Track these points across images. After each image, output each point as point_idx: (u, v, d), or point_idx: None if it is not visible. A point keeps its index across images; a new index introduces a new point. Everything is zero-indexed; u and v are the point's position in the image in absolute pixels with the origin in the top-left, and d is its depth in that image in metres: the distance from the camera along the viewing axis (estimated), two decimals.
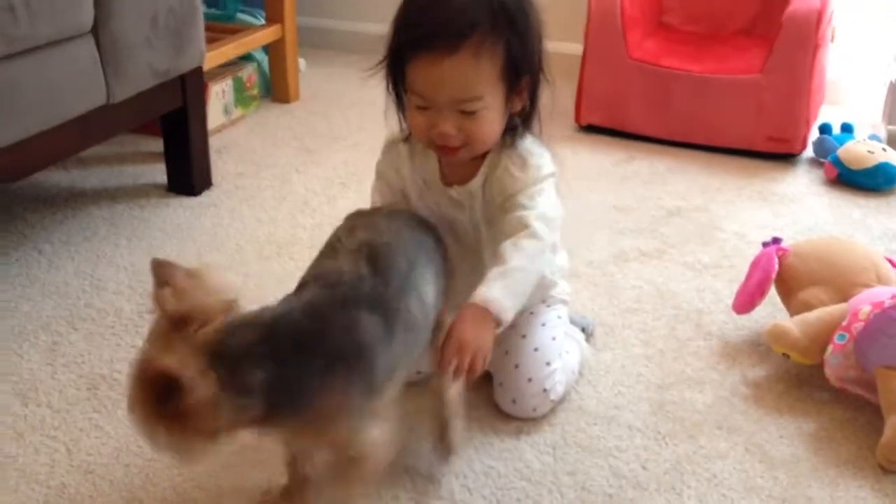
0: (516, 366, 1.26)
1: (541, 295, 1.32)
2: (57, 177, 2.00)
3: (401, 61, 1.10)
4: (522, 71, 1.11)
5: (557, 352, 1.29)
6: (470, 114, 1.09)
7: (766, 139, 2.18)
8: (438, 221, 1.21)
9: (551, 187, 1.16)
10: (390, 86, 1.14)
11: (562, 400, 1.30)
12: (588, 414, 1.30)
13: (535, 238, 1.09)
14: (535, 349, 1.27)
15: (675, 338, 1.49)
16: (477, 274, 1.11)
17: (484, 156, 1.17)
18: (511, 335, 1.27)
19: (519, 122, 1.16)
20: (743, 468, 1.20)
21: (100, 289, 1.57)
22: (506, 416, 1.28)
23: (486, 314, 1.04)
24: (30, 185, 1.95)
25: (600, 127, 2.34)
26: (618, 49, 2.25)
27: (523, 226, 1.10)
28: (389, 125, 1.20)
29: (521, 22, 1.08)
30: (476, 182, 1.18)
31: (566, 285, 1.38)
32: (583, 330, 1.44)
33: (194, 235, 1.78)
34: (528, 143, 1.17)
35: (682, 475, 1.19)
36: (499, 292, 1.05)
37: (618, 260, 1.74)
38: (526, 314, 1.30)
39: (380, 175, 1.26)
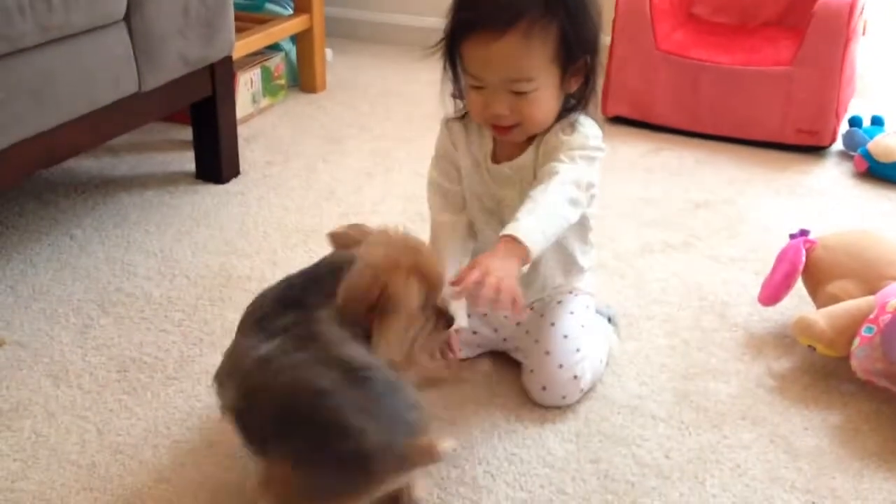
0: (547, 353, 1.26)
1: (569, 285, 1.33)
2: (88, 164, 2.03)
3: (456, 42, 1.13)
4: (577, 53, 1.12)
5: (586, 339, 1.29)
6: (522, 94, 1.12)
7: (796, 132, 2.16)
8: (486, 202, 1.25)
9: (595, 160, 1.17)
10: (447, 65, 1.17)
11: (589, 389, 1.31)
12: (612, 403, 1.30)
13: (563, 185, 1.10)
14: (565, 336, 1.28)
15: (700, 329, 1.48)
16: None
17: (543, 134, 1.19)
18: (541, 323, 1.29)
19: (574, 103, 1.18)
20: (767, 458, 1.20)
21: (130, 273, 1.60)
22: (530, 405, 1.29)
23: (516, 246, 1.05)
24: (62, 172, 1.98)
25: (627, 119, 2.33)
26: (646, 40, 2.24)
27: (554, 173, 1.11)
28: (445, 105, 1.23)
29: (575, 5, 1.10)
30: (527, 156, 1.20)
31: (592, 278, 1.39)
32: (609, 320, 1.45)
33: (222, 222, 1.80)
34: (582, 118, 1.19)
35: (706, 464, 1.19)
36: (527, 225, 1.06)
37: (644, 252, 1.73)
38: (553, 303, 1.31)
39: (438, 152, 1.29)
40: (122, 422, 1.24)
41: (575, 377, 1.26)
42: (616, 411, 1.29)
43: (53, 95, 1.45)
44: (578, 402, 1.29)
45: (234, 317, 1.46)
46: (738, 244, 1.76)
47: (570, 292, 1.33)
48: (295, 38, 2.52)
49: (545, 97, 1.13)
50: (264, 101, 2.38)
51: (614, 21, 2.29)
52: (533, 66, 1.10)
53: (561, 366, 1.25)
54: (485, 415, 1.27)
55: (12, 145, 1.40)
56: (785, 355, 1.41)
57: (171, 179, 1.98)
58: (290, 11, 2.54)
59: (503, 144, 1.23)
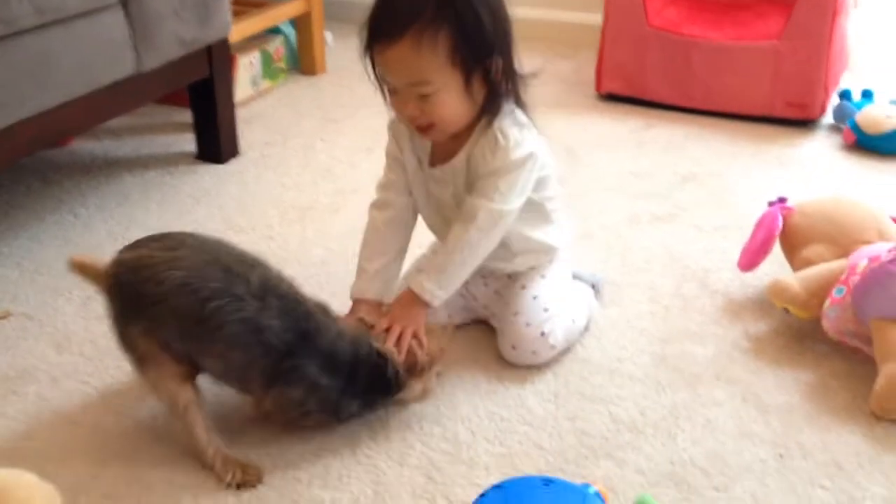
0: (515, 313, 1.32)
1: (539, 259, 1.38)
2: (91, 146, 2.09)
3: (370, 49, 1.20)
4: (478, 56, 1.17)
5: (556, 300, 1.34)
6: (426, 96, 1.18)
7: (785, 105, 2.18)
8: (427, 200, 1.32)
9: (523, 171, 1.23)
10: (371, 71, 1.22)
11: (564, 350, 1.35)
12: (591, 365, 1.35)
13: (479, 231, 1.22)
14: (534, 297, 1.33)
15: (681, 295, 1.53)
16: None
17: (468, 135, 1.24)
18: (511, 287, 1.34)
19: (492, 102, 1.22)
20: (738, 415, 1.24)
21: None
22: (512, 368, 1.34)
23: (418, 299, 1.24)
24: (66, 153, 2.04)
25: (620, 95, 2.37)
26: (637, 17, 2.27)
27: (472, 215, 1.21)
28: (388, 108, 1.27)
29: (468, 11, 1.15)
30: (458, 159, 1.26)
31: (568, 245, 1.43)
32: (592, 287, 1.49)
33: (221, 201, 1.85)
34: (506, 123, 1.23)
35: (678, 420, 1.23)
36: (432, 284, 1.24)
37: (630, 223, 1.78)
38: (526, 269, 1.35)
39: (388, 152, 1.36)
40: (121, 386, 1.30)
41: (542, 334, 1.31)
42: (595, 372, 1.33)
43: (52, 76, 1.50)
44: (559, 363, 1.34)
45: None
46: (722, 214, 1.80)
47: (547, 256, 1.37)
48: (295, 22, 2.57)
49: (449, 99, 1.18)
50: (264, 84, 2.43)
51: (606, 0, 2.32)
52: (427, 70, 1.15)
53: (528, 324, 1.31)
54: (467, 377, 1.32)
55: (13, 124, 1.46)
56: (762, 319, 1.45)
57: (171, 160, 2.03)
58: None
59: (438, 147, 1.28)
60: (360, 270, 1.32)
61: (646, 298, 1.52)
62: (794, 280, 1.38)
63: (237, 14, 2.20)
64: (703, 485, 1.12)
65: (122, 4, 1.63)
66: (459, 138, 1.25)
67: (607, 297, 1.51)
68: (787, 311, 1.39)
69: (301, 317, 1.13)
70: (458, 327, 1.38)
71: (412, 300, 1.24)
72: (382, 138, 1.37)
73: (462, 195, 1.27)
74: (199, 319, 1.07)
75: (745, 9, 2.38)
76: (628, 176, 1.98)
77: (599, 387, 1.30)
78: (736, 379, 1.32)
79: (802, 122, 2.20)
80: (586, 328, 1.41)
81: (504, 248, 1.30)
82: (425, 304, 1.24)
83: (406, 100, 1.19)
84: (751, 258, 1.49)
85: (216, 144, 2.00)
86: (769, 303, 1.45)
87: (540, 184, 1.29)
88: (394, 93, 1.21)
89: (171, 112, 2.27)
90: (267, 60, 2.43)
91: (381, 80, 1.21)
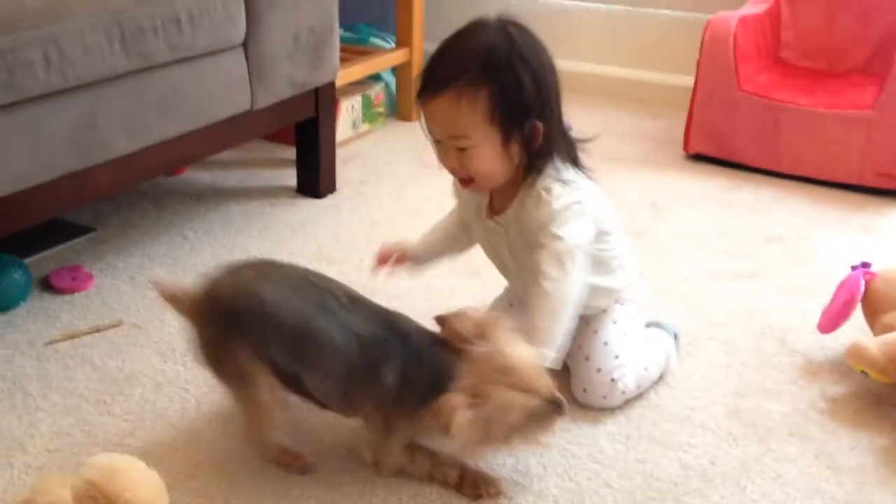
0: (587, 358, 1.37)
1: (602, 301, 1.41)
2: (202, 176, 2.24)
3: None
4: (519, 117, 1.24)
5: (627, 347, 1.39)
6: (464, 150, 1.25)
7: (876, 175, 2.19)
8: (488, 246, 1.41)
9: (569, 213, 1.26)
10: (422, 121, 1.30)
11: (635, 396, 1.39)
12: (664, 412, 1.38)
13: (552, 280, 1.23)
14: (605, 343, 1.38)
15: (759, 352, 1.54)
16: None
17: (516, 191, 1.31)
18: (585, 331, 1.39)
19: (533, 162, 1.28)
20: (810, 472, 1.25)
21: None
22: (584, 409, 1.38)
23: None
24: (179, 181, 2.19)
25: (708, 156, 2.40)
26: (728, 81, 2.32)
27: (539, 270, 1.24)
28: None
29: (509, 75, 1.21)
30: (509, 213, 1.33)
31: (639, 288, 1.47)
32: (675, 336, 1.52)
33: (317, 232, 1.96)
34: (549, 181, 1.27)
35: (749, 472, 1.25)
36: (545, 348, 1.20)
37: (711, 279, 1.80)
38: (599, 312, 1.41)
39: (456, 195, 1.45)
40: (217, 396, 1.39)
41: (612, 380, 1.35)
42: (667, 419, 1.36)
43: (177, 108, 1.65)
44: (631, 407, 1.38)
45: None
46: (805, 276, 1.81)
47: (617, 301, 1.42)
48: (395, 70, 2.71)
49: (486, 155, 1.25)
50: (363, 127, 2.56)
51: (698, 62, 2.37)
52: (465, 125, 1.22)
53: (599, 370, 1.36)
54: None
55: (141, 149, 1.60)
56: (840, 381, 1.46)
57: (273, 192, 2.16)
58: (392, 45, 2.72)
59: (494, 199, 1.35)
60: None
61: (722, 352, 1.54)
62: (872, 343, 1.39)
63: (343, 60, 2.34)
64: None
65: (243, 46, 1.77)
66: (509, 194, 1.32)
67: (683, 349, 1.54)
68: (865, 374, 1.39)
69: (392, 321, 1.20)
70: None
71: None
72: None
73: (516, 248, 1.34)
74: (302, 333, 1.15)
75: (838, 78, 2.40)
76: (711, 234, 2.01)
77: (671, 433, 1.33)
78: (810, 437, 1.33)
79: (891, 192, 2.19)
80: (661, 377, 1.45)
81: None
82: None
83: (447, 151, 1.27)
84: (831, 320, 1.50)
85: (315, 180, 2.12)
86: (848, 366, 1.46)
87: (597, 238, 1.32)
88: (437, 143, 1.29)
89: (275, 149, 2.41)
90: (367, 105, 2.56)
91: (427, 131, 1.30)
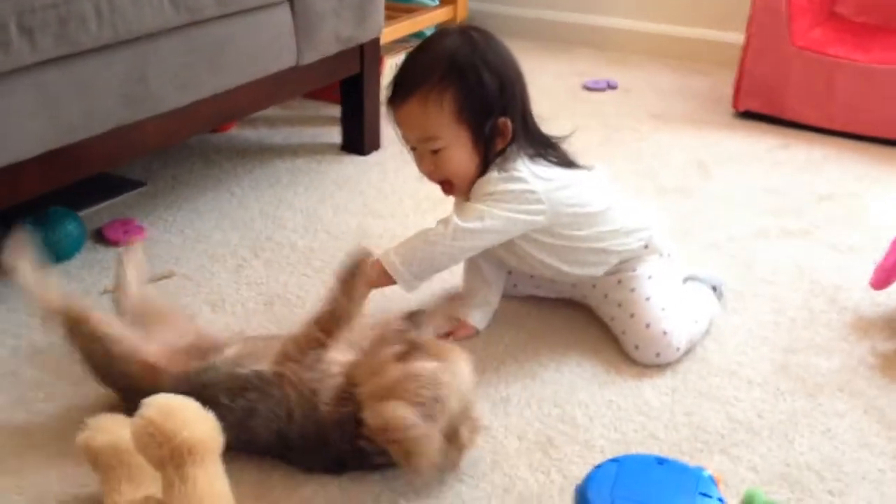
0: (632, 315, 1.37)
1: (632, 263, 1.41)
2: (248, 133, 2.25)
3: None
4: (485, 114, 1.28)
5: (671, 300, 1.38)
6: (437, 152, 1.31)
7: None
8: None
9: (503, 197, 1.28)
10: (395, 128, 1.35)
11: (686, 351, 1.38)
12: (710, 366, 1.37)
13: (441, 226, 1.28)
14: (647, 298, 1.38)
15: (808, 309, 1.52)
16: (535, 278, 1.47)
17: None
18: (621, 291, 1.40)
19: (495, 155, 1.31)
20: (859, 426, 1.24)
21: (279, 226, 1.79)
22: (629, 362, 1.37)
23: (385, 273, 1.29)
24: (226, 138, 2.21)
25: (758, 113, 2.36)
26: (781, 36, 2.26)
27: (449, 219, 1.29)
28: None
29: (472, 75, 1.27)
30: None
31: (668, 244, 1.45)
32: (713, 288, 1.51)
33: (362, 188, 1.97)
34: (507, 166, 1.30)
35: (797, 426, 1.24)
36: (397, 256, 1.28)
37: (759, 237, 1.78)
38: (628, 272, 1.40)
39: None
40: None
41: (664, 332, 1.34)
42: (714, 373, 1.36)
43: (227, 63, 1.66)
44: (677, 362, 1.37)
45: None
46: (857, 234, 1.78)
47: (644, 260, 1.40)
48: (439, 28, 2.69)
49: (458, 154, 1.30)
50: None
51: (750, 17, 2.32)
52: (434, 126, 1.28)
53: (648, 325, 1.35)
54: (587, 366, 1.37)
55: (192, 103, 1.62)
56: (892, 337, 1.44)
57: (318, 149, 2.17)
58: (437, 3, 2.70)
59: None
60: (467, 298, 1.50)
61: (770, 309, 1.52)
62: None
63: (388, 18, 2.33)
64: (817, 488, 1.13)
65: (289, 1, 1.77)
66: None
67: (730, 305, 1.53)
68: None
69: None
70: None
71: (381, 270, 1.28)
72: None
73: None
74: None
75: (895, 33, 2.33)
76: (760, 192, 1.98)
77: (717, 387, 1.33)
78: (859, 392, 1.31)
79: None
80: (707, 331, 1.44)
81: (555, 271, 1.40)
82: (390, 278, 1.29)
83: (422, 157, 1.33)
84: (884, 276, 1.47)
85: (360, 137, 2.13)
86: None
87: (587, 220, 1.34)
88: (413, 150, 1.34)
89: (319, 106, 2.42)
90: None
91: (403, 140, 1.35)
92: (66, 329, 1.20)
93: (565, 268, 1.39)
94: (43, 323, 1.23)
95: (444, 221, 1.29)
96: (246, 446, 1.13)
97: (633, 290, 1.39)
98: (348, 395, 1.10)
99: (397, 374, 1.06)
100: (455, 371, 1.09)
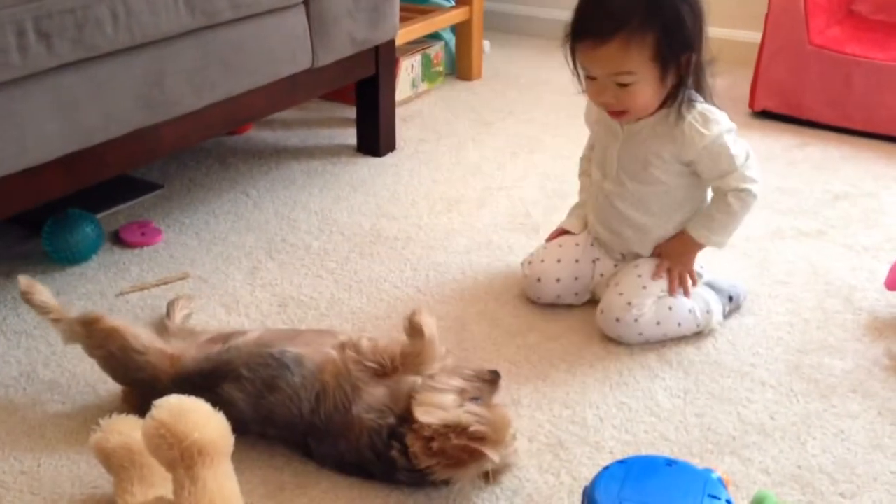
0: (616, 283, 1.45)
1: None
2: (264, 135, 2.27)
3: (572, 42, 1.33)
4: (677, 53, 1.29)
5: (659, 286, 1.43)
6: (625, 86, 1.31)
7: None
8: (599, 145, 1.49)
9: (734, 137, 1.38)
10: (568, 58, 1.35)
11: (654, 334, 1.40)
12: (723, 367, 1.37)
13: (737, 198, 1.40)
14: (639, 276, 1.44)
15: (823, 309, 1.52)
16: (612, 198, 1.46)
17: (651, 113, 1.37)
18: (626, 266, 1.48)
19: (679, 91, 1.33)
20: (872, 428, 1.23)
21: (294, 228, 1.81)
22: (642, 363, 1.37)
23: (695, 243, 1.43)
24: (242, 140, 2.23)
25: (775, 113, 2.34)
26: (798, 35, 2.25)
27: (725, 190, 1.39)
28: (575, 83, 1.40)
29: (673, 14, 1.27)
30: (642, 125, 1.38)
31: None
32: (730, 299, 1.50)
33: (376, 190, 1.98)
34: (706, 106, 1.36)
35: (809, 428, 1.24)
36: (707, 231, 1.42)
37: (774, 237, 1.77)
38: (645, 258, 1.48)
39: (585, 115, 1.54)
40: None
41: (629, 304, 1.39)
42: (726, 375, 1.35)
43: (241, 66, 1.67)
44: (691, 363, 1.37)
45: (380, 269, 1.64)
46: (873, 235, 1.76)
47: None
48: (455, 29, 2.69)
49: (646, 89, 1.31)
50: (423, 86, 2.56)
51: (767, 16, 2.30)
52: (632, 65, 1.28)
53: (621, 294, 1.41)
54: (599, 367, 1.37)
55: (206, 106, 1.63)
56: None
57: (334, 151, 2.19)
58: (452, 3, 2.70)
59: None
60: (571, 210, 1.60)
61: (784, 310, 1.52)
62: None
63: (403, 19, 2.33)
64: (829, 490, 1.13)
65: (304, 4, 1.79)
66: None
67: (744, 306, 1.52)
68: None
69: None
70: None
71: (688, 243, 1.43)
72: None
73: (624, 154, 1.42)
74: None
75: None
76: (776, 192, 1.97)
77: (730, 389, 1.32)
78: (873, 394, 1.30)
79: None
80: (702, 332, 1.44)
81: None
82: (700, 246, 1.43)
83: (604, 88, 1.32)
84: None
85: (375, 139, 2.14)
86: None
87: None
88: (591, 80, 1.33)
89: (335, 108, 2.43)
90: (427, 64, 2.56)
91: (579, 69, 1.34)
92: (83, 333, 1.21)
93: (670, 225, 1.45)
94: (63, 339, 1.24)
95: (735, 195, 1.38)
96: (262, 426, 1.15)
97: (636, 266, 1.46)
98: (393, 407, 1.11)
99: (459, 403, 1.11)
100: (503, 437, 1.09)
